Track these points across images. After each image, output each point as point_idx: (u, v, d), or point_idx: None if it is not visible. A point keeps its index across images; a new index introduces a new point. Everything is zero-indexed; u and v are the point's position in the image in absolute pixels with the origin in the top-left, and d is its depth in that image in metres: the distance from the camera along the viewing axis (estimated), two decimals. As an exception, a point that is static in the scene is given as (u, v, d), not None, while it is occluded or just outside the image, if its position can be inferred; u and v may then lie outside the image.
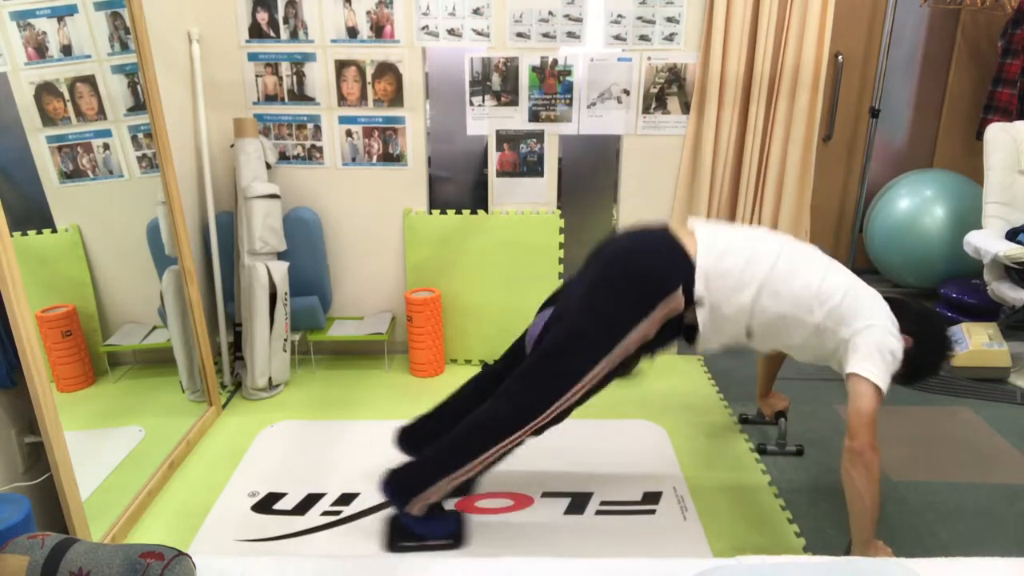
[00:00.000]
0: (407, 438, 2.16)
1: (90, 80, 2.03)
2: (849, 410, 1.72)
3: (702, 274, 1.78)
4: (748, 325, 1.83)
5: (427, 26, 2.76)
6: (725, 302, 1.79)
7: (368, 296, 3.12)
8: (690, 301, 1.79)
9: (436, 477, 1.85)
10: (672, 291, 1.76)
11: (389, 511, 1.99)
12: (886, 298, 1.86)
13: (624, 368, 1.84)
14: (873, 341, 1.74)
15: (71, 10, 1.95)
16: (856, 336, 1.75)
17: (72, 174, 1.98)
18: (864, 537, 1.71)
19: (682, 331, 1.86)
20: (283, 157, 2.92)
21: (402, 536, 1.92)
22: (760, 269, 1.78)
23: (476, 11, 2.74)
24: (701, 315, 1.81)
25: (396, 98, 2.85)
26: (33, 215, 1.86)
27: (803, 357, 1.96)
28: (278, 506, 2.10)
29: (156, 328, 2.36)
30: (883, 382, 1.71)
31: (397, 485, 1.90)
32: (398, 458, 2.03)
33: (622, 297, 1.77)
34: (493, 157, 2.94)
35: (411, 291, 2.98)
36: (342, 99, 2.85)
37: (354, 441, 2.46)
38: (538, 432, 1.85)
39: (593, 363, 1.77)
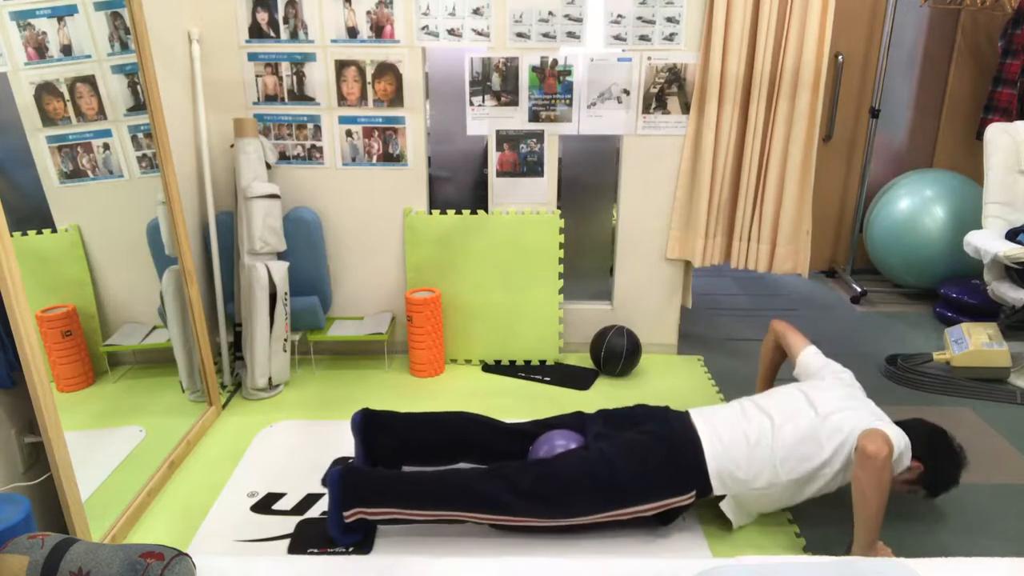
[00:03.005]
0: (368, 422, 2.12)
1: (90, 80, 2.03)
2: (870, 430, 1.75)
3: (715, 475, 1.88)
4: (780, 498, 1.91)
5: (427, 26, 2.76)
6: (745, 491, 1.89)
7: (368, 296, 3.12)
8: (701, 495, 1.90)
9: (394, 502, 1.85)
10: (686, 492, 1.88)
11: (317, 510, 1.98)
12: (898, 422, 1.90)
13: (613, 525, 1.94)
14: (885, 425, 1.83)
15: (71, 10, 1.95)
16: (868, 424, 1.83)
17: (72, 174, 1.98)
18: (866, 540, 1.71)
19: (671, 517, 1.95)
20: (283, 157, 2.93)
21: (313, 543, 1.91)
22: (763, 451, 1.87)
23: (476, 11, 2.74)
24: (727, 506, 1.92)
25: (396, 98, 2.85)
26: (33, 215, 1.85)
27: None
28: (278, 506, 2.10)
29: (156, 328, 2.36)
30: (896, 448, 1.74)
31: (354, 486, 1.87)
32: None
33: (639, 477, 1.87)
34: (493, 157, 2.94)
35: (411, 291, 2.98)
36: (342, 99, 2.85)
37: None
38: (501, 527, 1.93)
39: (591, 511, 1.87)
